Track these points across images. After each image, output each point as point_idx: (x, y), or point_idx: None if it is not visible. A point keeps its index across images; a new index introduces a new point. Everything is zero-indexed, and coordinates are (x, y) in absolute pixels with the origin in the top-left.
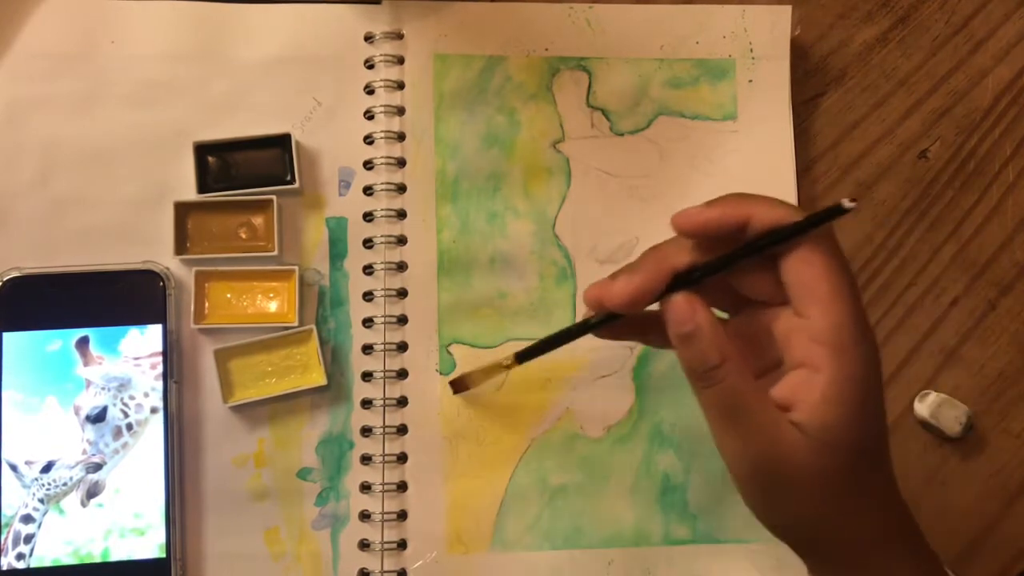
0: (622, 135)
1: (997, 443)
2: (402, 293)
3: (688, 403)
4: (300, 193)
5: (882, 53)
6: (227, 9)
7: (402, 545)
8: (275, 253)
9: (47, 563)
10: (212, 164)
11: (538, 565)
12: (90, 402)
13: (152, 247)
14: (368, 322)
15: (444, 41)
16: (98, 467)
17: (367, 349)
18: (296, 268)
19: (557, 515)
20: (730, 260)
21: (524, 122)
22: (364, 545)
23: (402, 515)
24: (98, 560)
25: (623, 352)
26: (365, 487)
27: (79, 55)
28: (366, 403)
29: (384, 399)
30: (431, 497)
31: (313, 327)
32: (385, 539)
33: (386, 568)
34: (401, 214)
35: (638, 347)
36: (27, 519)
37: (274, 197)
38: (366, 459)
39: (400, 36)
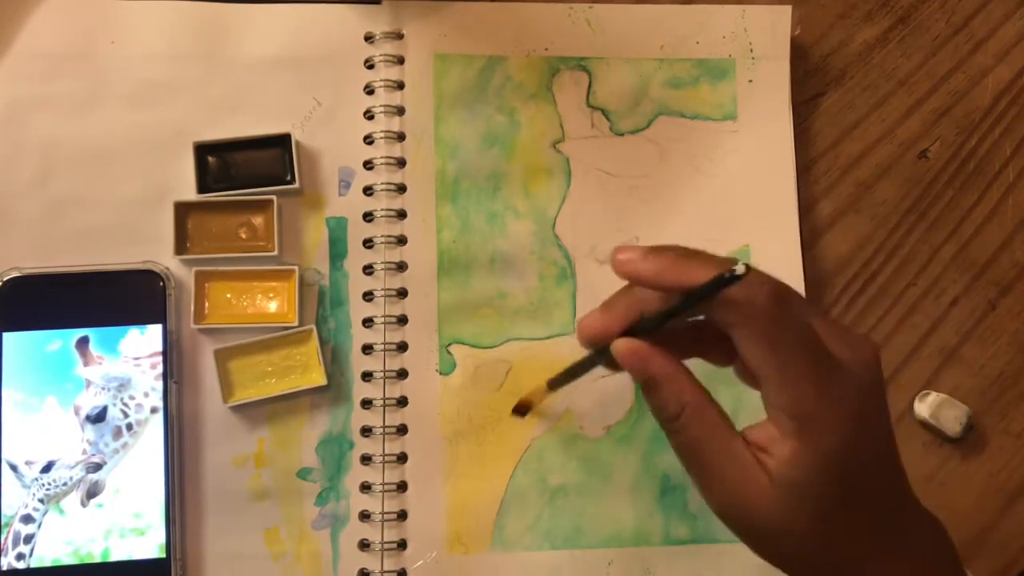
0: (622, 135)
1: (997, 443)
2: (402, 293)
3: None
4: (300, 193)
5: (882, 53)
6: (227, 9)
7: (402, 545)
8: (275, 253)
9: (47, 563)
10: (212, 164)
11: (538, 565)
12: (90, 402)
13: (152, 247)
14: (368, 322)
15: (444, 41)
16: (98, 467)
17: (367, 349)
18: (296, 268)
19: (557, 515)
20: (666, 317)
21: (524, 122)
22: (364, 545)
23: (402, 515)
24: (98, 560)
25: None
26: (365, 487)
27: (79, 55)
28: (366, 403)
29: (384, 399)
30: (431, 497)
31: (313, 327)
32: (385, 539)
33: (386, 568)
34: (401, 214)
35: None
36: (27, 519)
37: (274, 197)
38: (366, 459)
39: (400, 36)
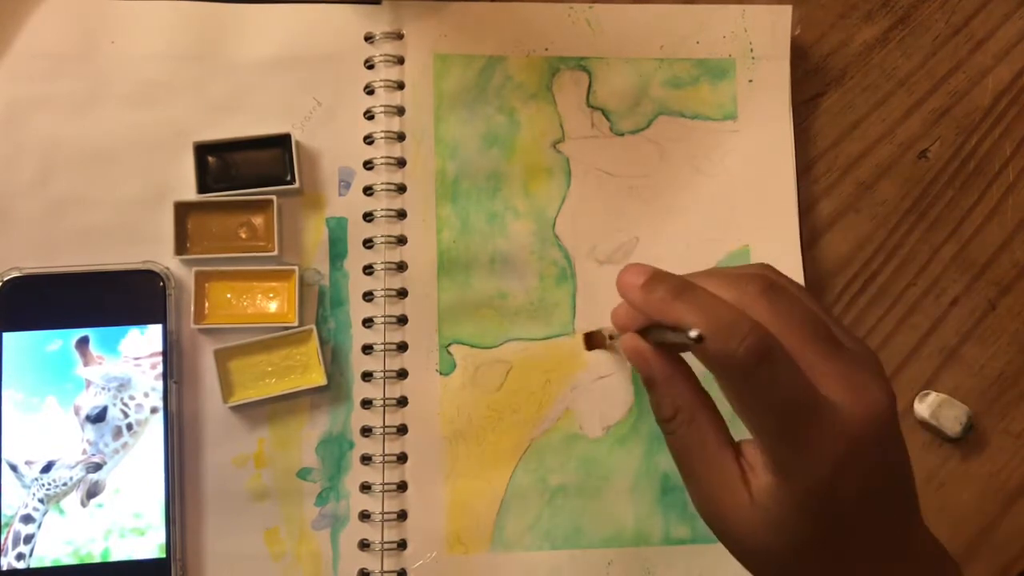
0: (622, 135)
1: (997, 443)
2: (402, 293)
3: None
4: (300, 193)
5: (882, 53)
6: (227, 9)
7: (402, 545)
8: (275, 253)
9: (47, 563)
10: (212, 164)
11: (538, 565)
12: (90, 402)
13: (152, 247)
14: (368, 322)
15: (444, 41)
16: (98, 467)
17: (367, 349)
18: (296, 268)
19: (557, 515)
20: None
21: (524, 122)
22: (364, 545)
23: (402, 515)
24: (98, 560)
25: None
26: (365, 487)
27: (79, 55)
28: (366, 403)
29: (384, 399)
30: (431, 497)
31: (313, 327)
32: (385, 539)
33: (386, 568)
34: (401, 214)
35: None
36: (27, 519)
37: (274, 197)
38: (366, 459)
39: (400, 36)
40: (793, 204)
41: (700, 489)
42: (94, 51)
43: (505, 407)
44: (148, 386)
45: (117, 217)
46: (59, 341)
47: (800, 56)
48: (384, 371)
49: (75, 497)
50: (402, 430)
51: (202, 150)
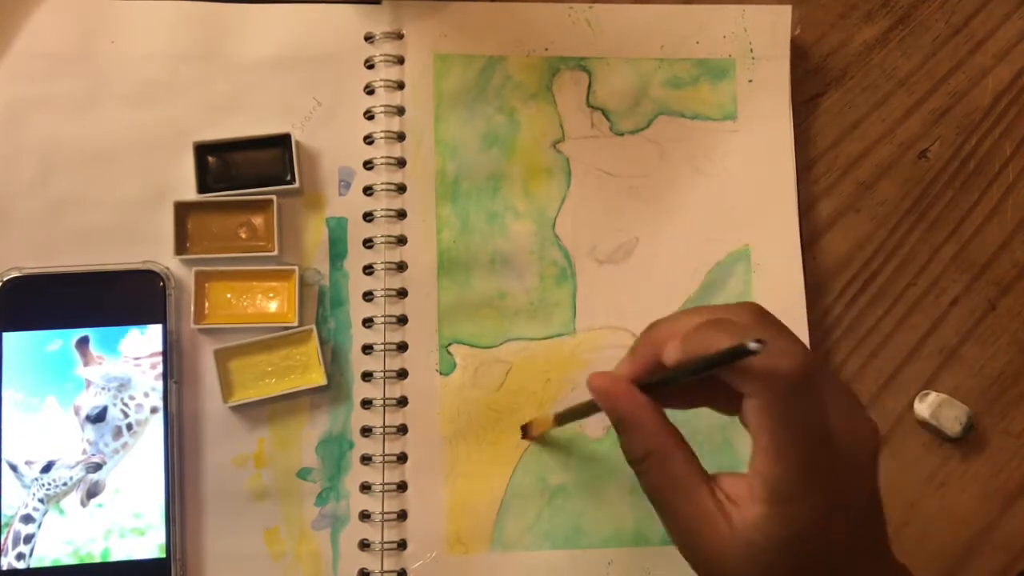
0: (622, 135)
1: (997, 443)
2: (402, 293)
3: None
4: (300, 193)
5: (882, 53)
6: (227, 9)
7: (402, 545)
8: (275, 253)
9: (47, 563)
10: (212, 164)
11: (538, 565)
12: (90, 402)
13: (152, 247)
14: (368, 322)
15: (444, 41)
16: (98, 467)
17: (367, 349)
18: (296, 268)
19: (557, 515)
20: (669, 379)
21: (524, 122)
22: (364, 545)
23: (402, 515)
24: (98, 560)
25: (623, 352)
26: (365, 487)
27: (79, 55)
28: (366, 403)
29: (384, 399)
30: (431, 497)
31: (313, 327)
32: (385, 539)
33: (386, 568)
34: (401, 214)
35: None
36: (27, 519)
37: (274, 197)
38: (366, 459)
39: (400, 36)
40: (793, 204)
41: (676, 524)
42: (94, 51)
43: (505, 407)
44: (148, 386)
45: (117, 217)
46: (59, 341)
47: (800, 56)
48: (384, 371)
49: (75, 497)
50: (402, 430)
51: (202, 150)
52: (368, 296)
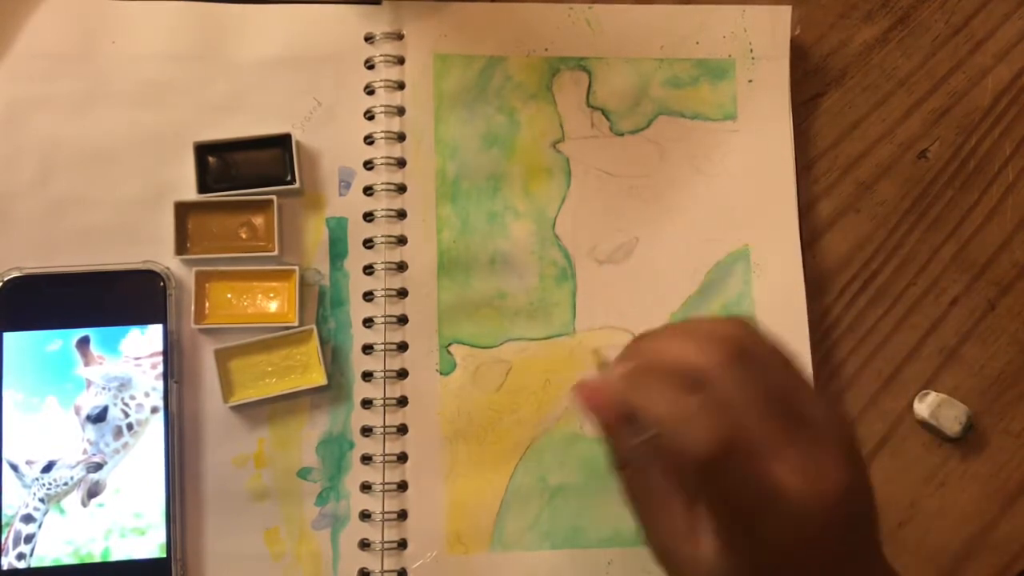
0: (622, 135)
1: (997, 443)
2: (402, 293)
3: None
4: (300, 193)
5: (882, 53)
6: (227, 9)
7: (402, 545)
8: (275, 253)
9: (47, 563)
10: (212, 164)
11: (538, 565)
12: (90, 402)
13: (152, 247)
14: (368, 322)
15: (444, 41)
16: (98, 467)
17: (367, 349)
18: (296, 268)
19: (557, 515)
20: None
21: (524, 122)
22: (364, 545)
23: (402, 515)
24: (98, 560)
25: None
26: (365, 487)
27: (79, 55)
28: (366, 403)
29: (384, 399)
30: (431, 497)
31: (313, 327)
32: (385, 539)
33: (386, 568)
34: (401, 214)
35: None
36: (28, 519)
37: (274, 197)
38: (366, 459)
39: (400, 36)
40: (793, 204)
41: (652, 536)
42: (94, 51)
43: (505, 407)
44: (148, 386)
45: (117, 217)
46: (59, 341)
47: (800, 56)
48: (384, 371)
49: (76, 497)
50: (402, 430)
51: (202, 150)
52: (368, 296)
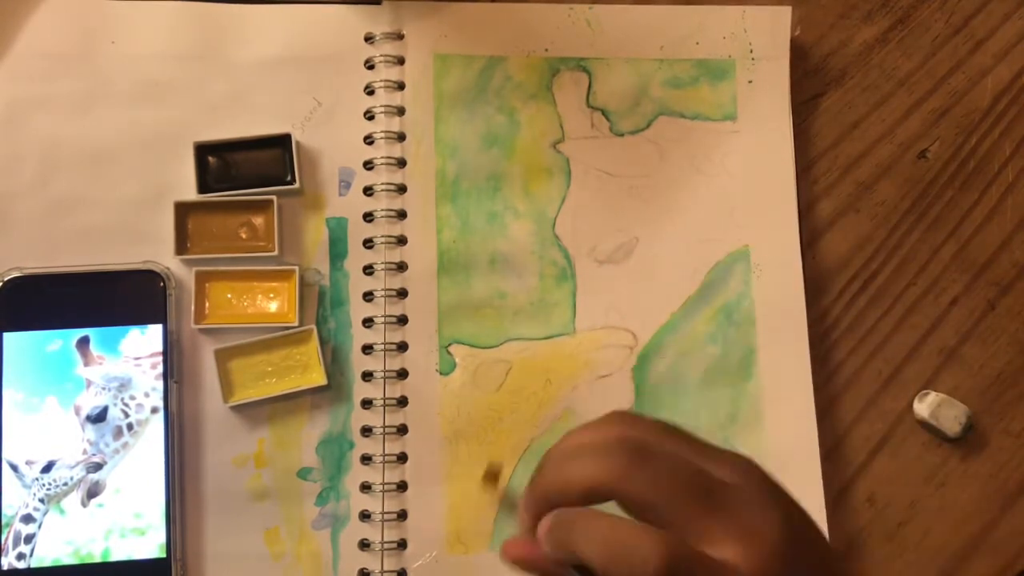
0: (622, 135)
1: (997, 443)
2: (402, 293)
3: (688, 403)
4: (300, 193)
5: (882, 53)
6: (227, 9)
7: (402, 545)
8: (275, 253)
9: (47, 563)
10: (212, 164)
11: None
12: (90, 402)
13: (152, 247)
14: (368, 322)
15: (444, 41)
16: (98, 467)
17: (367, 349)
18: (296, 268)
19: None
20: None
21: (524, 122)
22: (364, 545)
23: (402, 515)
24: (98, 560)
25: (623, 352)
26: (365, 487)
27: (79, 55)
28: (366, 403)
29: (384, 399)
30: (431, 497)
31: (313, 327)
32: (385, 539)
33: (386, 568)
34: (401, 214)
35: (638, 347)
36: (27, 519)
37: (274, 197)
38: (366, 459)
39: (400, 36)
40: (793, 204)
41: None
42: (94, 51)
43: (505, 407)
44: (148, 386)
45: (117, 217)
46: (59, 341)
47: (800, 56)
48: (384, 371)
49: (75, 497)
50: (402, 430)
51: (202, 150)
52: (368, 296)
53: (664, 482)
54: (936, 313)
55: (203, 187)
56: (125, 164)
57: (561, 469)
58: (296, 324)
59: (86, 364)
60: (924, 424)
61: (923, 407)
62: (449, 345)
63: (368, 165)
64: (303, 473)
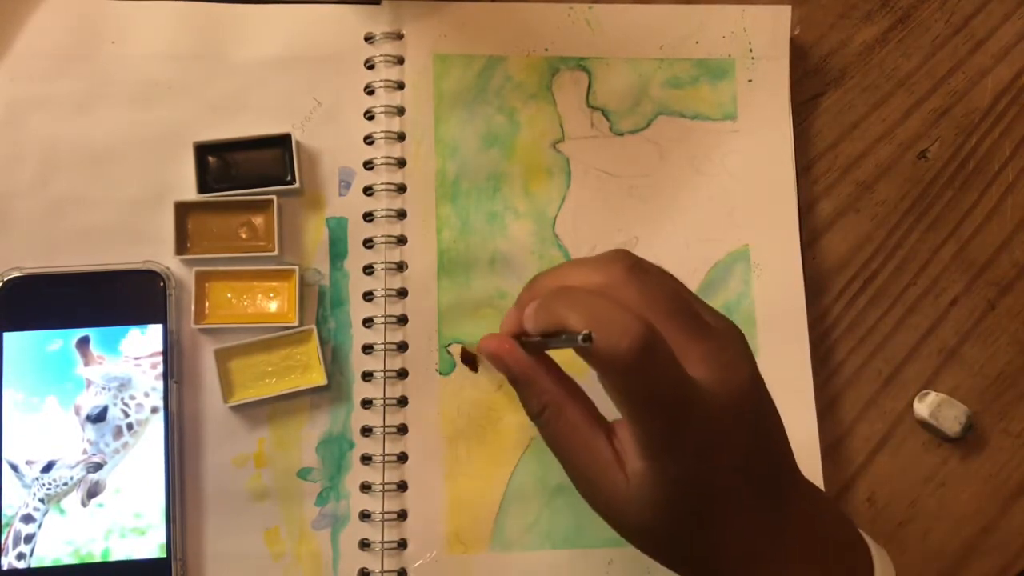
0: (622, 135)
1: (997, 443)
2: (402, 293)
3: None
4: (300, 193)
5: (882, 53)
6: (227, 9)
7: (402, 545)
8: (275, 253)
9: (47, 563)
10: (212, 164)
11: (538, 565)
12: (90, 402)
13: (152, 247)
14: (368, 322)
15: (444, 41)
16: (98, 467)
17: (367, 349)
18: (296, 268)
19: (557, 515)
20: (530, 347)
21: (524, 122)
22: (364, 545)
23: (402, 515)
24: (98, 560)
25: None
26: (365, 487)
27: (79, 55)
28: (366, 403)
29: (384, 399)
30: (431, 497)
31: (313, 327)
32: (385, 539)
33: (386, 568)
34: (401, 214)
35: None
36: (27, 519)
37: (274, 197)
38: (366, 459)
39: (400, 36)
40: (793, 204)
41: (578, 474)
42: (94, 51)
43: (505, 407)
44: (148, 386)
45: (117, 217)
46: (59, 341)
47: (800, 56)
48: (384, 371)
49: (75, 497)
50: (402, 430)
51: (202, 150)
52: (368, 296)
53: (656, 296)
54: (936, 313)
55: (203, 187)
56: (125, 164)
57: (561, 273)
58: (296, 324)
59: (86, 364)
60: (924, 424)
61: (923, 407)
62: (449, 345)
63: (368, 165)
64: (303, 473)
